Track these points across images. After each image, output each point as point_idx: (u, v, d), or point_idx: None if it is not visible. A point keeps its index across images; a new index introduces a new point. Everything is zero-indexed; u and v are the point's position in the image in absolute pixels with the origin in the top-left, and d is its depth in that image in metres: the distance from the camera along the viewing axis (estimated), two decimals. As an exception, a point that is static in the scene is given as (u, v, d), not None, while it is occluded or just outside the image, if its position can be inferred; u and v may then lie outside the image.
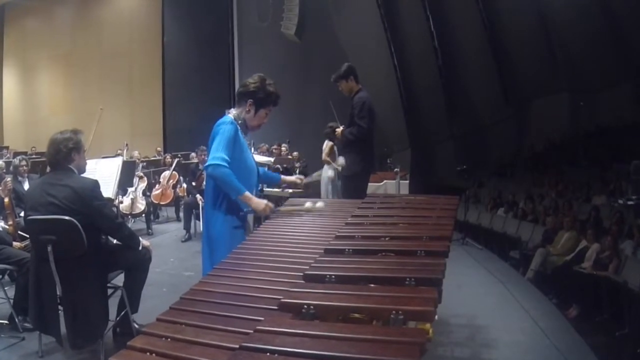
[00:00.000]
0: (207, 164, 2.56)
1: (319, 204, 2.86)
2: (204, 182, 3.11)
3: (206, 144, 2.76)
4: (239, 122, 2.66)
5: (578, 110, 10.94)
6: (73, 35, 14.94)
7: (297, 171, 8.11)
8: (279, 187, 5.46)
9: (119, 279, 3.05)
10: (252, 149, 2.90)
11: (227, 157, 2.49)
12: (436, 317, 1.40)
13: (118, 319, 3.05)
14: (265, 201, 2.62)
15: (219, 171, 2.48)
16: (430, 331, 1.37)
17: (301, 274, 1.75)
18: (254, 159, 2.81)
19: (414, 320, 1.42)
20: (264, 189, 3.04)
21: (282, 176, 3.14)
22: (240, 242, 2.35)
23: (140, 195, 7.21)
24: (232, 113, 2.70)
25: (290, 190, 5.54)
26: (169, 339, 1.34)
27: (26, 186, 4.56)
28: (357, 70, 4.23)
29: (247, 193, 2.54)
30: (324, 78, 4.73)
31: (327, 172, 6.33)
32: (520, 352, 3.22)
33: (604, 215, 7.01)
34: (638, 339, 4.39)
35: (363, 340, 1.21)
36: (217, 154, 2.49)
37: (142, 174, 7.59)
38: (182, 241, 6.54)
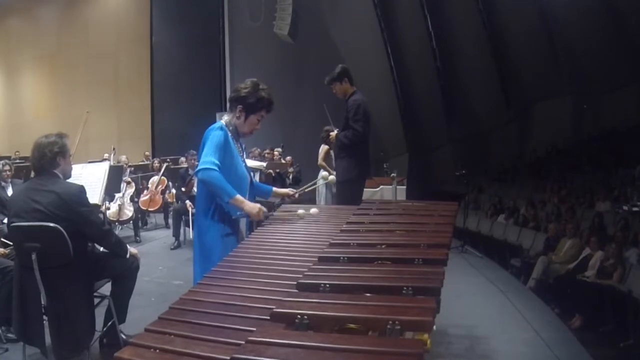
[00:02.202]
0: (197, 168, 2.55)
1: (313, 209, 2.85)
2: (194, 188, 3.07)
3: (196, 148, 2.74)
4: (230, 128, 2.64)
5: (581, 113, 10.95)
6: (58, 35, 14.79)
7: (291, 176, 8.04)
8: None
9: (106, 288, 3.01)
10: (244, 155, 2.84)
11: (217, 161, 2.48)
12: (434, 327, 1.38)
13: (105, 329, 3.01)
14: (258, 205, 2.59)
15: (209, 175, 2.47)
16: (428, 342, 1.35)
17: (294, 282, 1.73)
18: (246, 167, 2.78)
19: (411, 330, 1.40)
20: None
21: (274, 188, 3.10)
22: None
23: (128, 201, 7.12)
24: (224, 119, 2.69)
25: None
26: (157, 350, 1.32)
27: (9, 192, 4.47)
28: (351, 72, 4.20)
29: (239, 196, 2.52)
30: (318, 80, 4.69)
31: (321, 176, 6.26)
32: (522, 364, 3.17)
33: (608, 222, 6.98)
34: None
35: (358, 352, 1.19)
36: (207, 159, 2.49)
37: (129, 180, 7.51)
38: (171, 249, 6.46)
